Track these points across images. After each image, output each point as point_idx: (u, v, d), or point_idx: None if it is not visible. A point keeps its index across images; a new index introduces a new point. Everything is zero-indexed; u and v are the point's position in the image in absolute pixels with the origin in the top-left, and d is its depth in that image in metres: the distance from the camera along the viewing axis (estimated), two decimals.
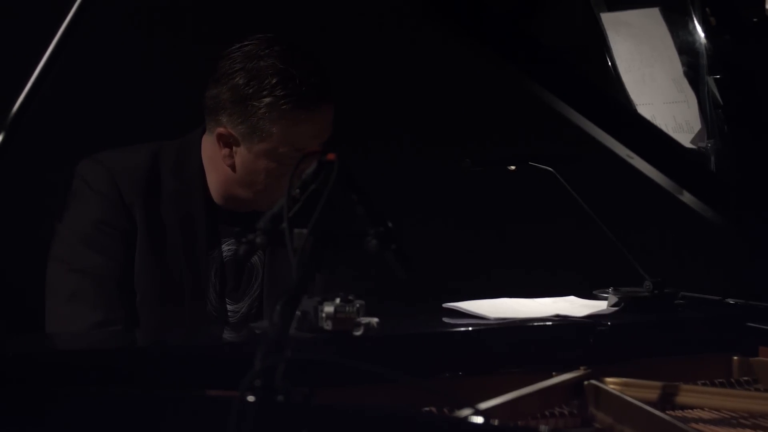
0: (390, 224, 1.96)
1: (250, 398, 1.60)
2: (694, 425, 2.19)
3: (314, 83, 2.74)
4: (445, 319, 2.52)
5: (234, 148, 2.79)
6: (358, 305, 2.14)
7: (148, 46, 3.63)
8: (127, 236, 2.79)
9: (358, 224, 1.96)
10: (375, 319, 2.13)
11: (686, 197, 2.32)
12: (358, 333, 2.13)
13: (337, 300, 2.12)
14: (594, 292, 2.71)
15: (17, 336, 2.80)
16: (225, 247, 2.87)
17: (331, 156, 1.96)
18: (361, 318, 2.13)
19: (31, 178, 3.27)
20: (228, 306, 2.88)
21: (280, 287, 2.85)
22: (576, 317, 2.53)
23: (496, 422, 1.89)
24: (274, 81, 2.73)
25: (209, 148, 2.85)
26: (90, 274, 2.75)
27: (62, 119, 3.34)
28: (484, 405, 1.96)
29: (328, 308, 2.10)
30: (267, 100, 2.73)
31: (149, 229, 2.80)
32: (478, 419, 1.74)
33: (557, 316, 2.54)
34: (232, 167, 2.81)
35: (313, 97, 2.74)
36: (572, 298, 2.70)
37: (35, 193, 3.26)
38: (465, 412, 1.78)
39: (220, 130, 2.79)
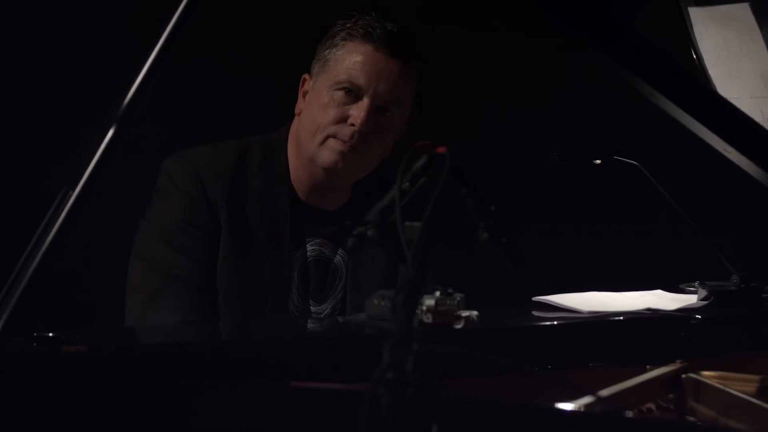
0: (499, 217, 1.96)
1: (381, 392, 1.60)
2: None
3: (392, 32, 2.76)
4: (535, 313, 2.52)
5: (307, 93, 2.82)
6: (458, 298, 2.13)
7: (234, 44, 3.66)
8: (211, 236, 2.75)
9: (467, 217, 1.96)
10: (475, 312, 2.13)
11: None
12: (458, 326, 2.13)
13: (437, 293, 2.12)
14: (680, 286, 2.71)
15: (107, 328, 2.80)
16: (309, 247, 2.84)
17: (441, 149, 1.96)
18: (462, 311, 2.14)
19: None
20: (311, 307, 2.84)
21: (363, 289, 2.82)
22: (667, 311, 2.53)
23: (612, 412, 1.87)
24: (355, 18, 2.79)
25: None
26: (170, 275, 2.72)
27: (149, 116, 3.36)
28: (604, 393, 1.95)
29: (429, 301, 2.09)
30: (342, 33, 2.79)
31: (233, 228, 2.76)
32: (598, 410, 1.74)
33: (648, 309, 2.54)
34: (300, 115, 2.83)
35: (384, 38, 2.75)
36: (659, 291, 2.70)
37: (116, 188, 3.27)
38: (585, 401, 1.78)
39: (304, 76, 2.83)
